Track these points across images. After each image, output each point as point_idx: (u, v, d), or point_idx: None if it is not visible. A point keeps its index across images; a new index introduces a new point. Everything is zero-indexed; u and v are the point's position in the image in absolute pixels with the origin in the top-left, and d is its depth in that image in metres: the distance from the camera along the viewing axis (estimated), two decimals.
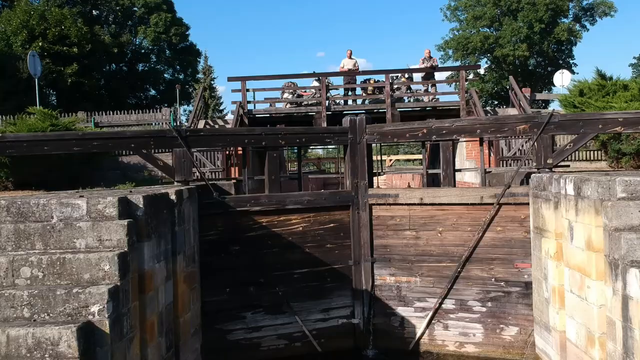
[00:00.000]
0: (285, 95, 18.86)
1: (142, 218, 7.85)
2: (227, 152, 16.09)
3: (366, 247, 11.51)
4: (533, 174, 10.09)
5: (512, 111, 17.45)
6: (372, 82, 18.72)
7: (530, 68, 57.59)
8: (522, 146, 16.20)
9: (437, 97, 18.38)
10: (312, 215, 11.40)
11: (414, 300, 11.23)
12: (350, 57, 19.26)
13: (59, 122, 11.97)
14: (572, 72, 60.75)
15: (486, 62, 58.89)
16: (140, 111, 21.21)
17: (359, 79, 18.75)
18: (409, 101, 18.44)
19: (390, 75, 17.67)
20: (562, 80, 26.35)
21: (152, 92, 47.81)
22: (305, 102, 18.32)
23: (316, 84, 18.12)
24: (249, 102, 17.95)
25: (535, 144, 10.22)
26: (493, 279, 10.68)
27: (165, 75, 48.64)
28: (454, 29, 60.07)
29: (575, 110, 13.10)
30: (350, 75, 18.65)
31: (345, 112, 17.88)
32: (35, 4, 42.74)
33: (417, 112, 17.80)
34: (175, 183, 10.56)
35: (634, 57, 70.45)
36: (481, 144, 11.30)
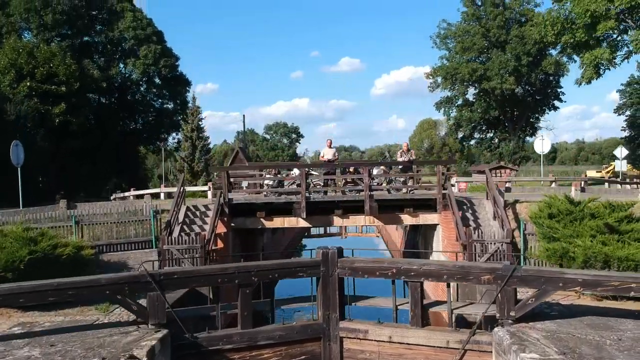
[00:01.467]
0: (267, 181, 19.22)
1: None
2: (208, 237, 16.33)
3: None
4: (495, 329, 10.42)
5: (488, 204, 17.78)
6: (351, 170, 19.08)
7: (518, 96, 57.95)
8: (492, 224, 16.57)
9: (414, 189, 18.74)
10: (283, 349, 11.68)
11: None
12: (330, 147, 19.62)
13: (38, 248, 12.16)
14: (560, 100, 61.48)
15: (475, 89, 59.28)
16: (124, 181, 21.29)
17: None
18: (388, 192, 18.78)
19: (369, 167, 18.02)
20: (542, 146, 26.80)
21: (141, 120, 47.92)
22: (287, 187, 18.67)
23: (297, 171, 18.44)
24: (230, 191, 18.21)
25: (499, 295, 10.55)
26: None
27: (155, 104, 48.72)
28: (443, 57, 60.58)
29: (545, 232, 13.46)
30: (329, 166, 18.97)
31: (324, 201, 18.20)
32: (24, 38, 42.79)
33: (395, 202, 18.13)
34: (150, 325, 10.81)
35: (622, 84, 71.11)
36: (448, 287, 11.62)
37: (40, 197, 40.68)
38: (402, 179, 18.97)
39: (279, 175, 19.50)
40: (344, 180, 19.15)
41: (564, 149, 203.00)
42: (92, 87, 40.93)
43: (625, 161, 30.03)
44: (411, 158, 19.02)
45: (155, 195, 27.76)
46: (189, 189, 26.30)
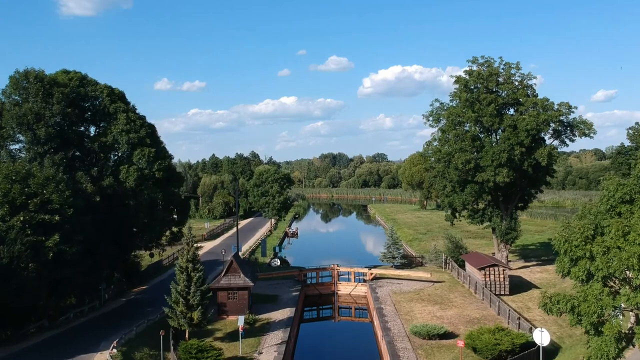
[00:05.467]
0: None
1: None
2: None
3: None
4: None
5: None
6: None
7: (510, 181, 57.80)
8: None
9: None
10: None
11: None
12: None
13: None
14: (552, 176, 61.98)
15: (467, 176, 59.05)
16: None
17: None
18: None
19: None
20: (541, 338, 26.96)
21: (135, 224, 47.57)
22: None
23: None
24: None
25: None
26: None
27: (148, 204, 48.33)
28: (435, 136, 60.73)
29: None
30: None
31: None
32: (18, 154, 42.33)
33: None
34: None
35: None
36: None
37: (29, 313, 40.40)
38: None
39: None
40: None
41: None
42: (86, 206, 40.42)
43: None
44: None
45: None
46: None
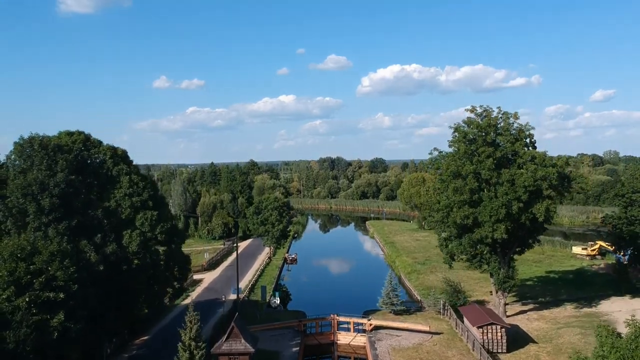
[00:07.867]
0: None
1: None
2: None
3: None
4: None
5: None
6: None
7: (507, 237, 57.90)
8: None
9: None
10: None
11: None
12: None
13: None
14: (550, 222, 62.56)
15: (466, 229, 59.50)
16: None
17: None
18: None
19: None
20: None
21: (137, 283, 48.04)
22: None
23: None
24: None
25: None
26: None
27: (150, 264, 48.84)
28: (434, 184, 61.41)
29: None
30: None
31: None
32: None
33: None
34: None
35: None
36: None
37: None
38: None
39: None
40: None
41: None
42: (89, 276, 40.92)
43: None
44: None
45: None
46: None
